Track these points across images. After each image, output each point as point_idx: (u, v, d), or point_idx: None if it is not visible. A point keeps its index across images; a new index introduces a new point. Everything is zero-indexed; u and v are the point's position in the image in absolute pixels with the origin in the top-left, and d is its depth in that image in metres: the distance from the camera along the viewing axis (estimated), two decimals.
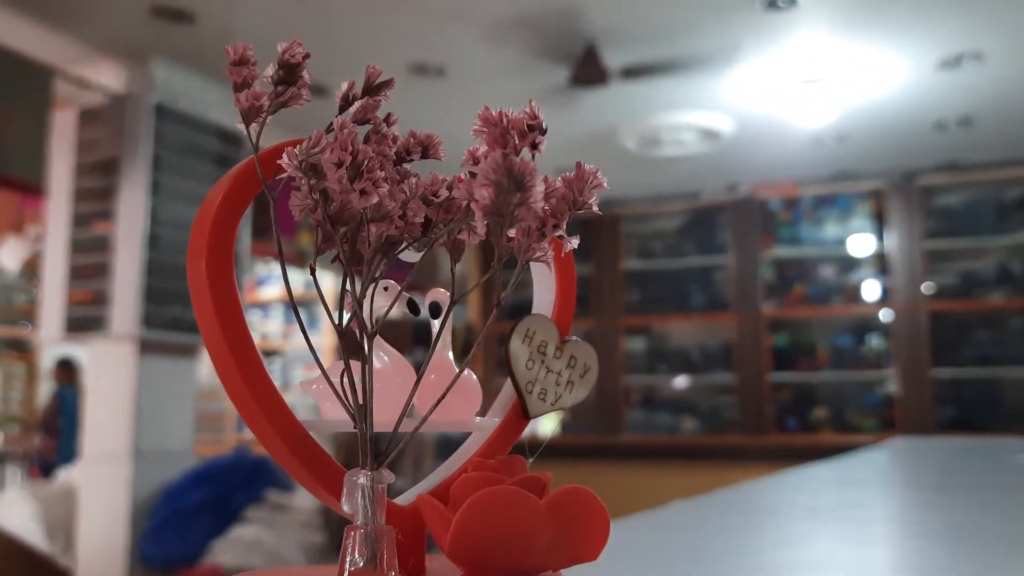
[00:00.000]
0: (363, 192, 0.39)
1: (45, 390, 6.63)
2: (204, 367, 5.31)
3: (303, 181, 0.39)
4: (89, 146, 4.52)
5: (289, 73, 0.43)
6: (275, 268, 7.21)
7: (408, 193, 0.42)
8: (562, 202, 0.41)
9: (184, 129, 4.58)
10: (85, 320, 4.47)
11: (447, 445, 5.24)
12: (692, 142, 5.46)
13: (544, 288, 0.56)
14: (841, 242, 6.63)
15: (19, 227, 4.96)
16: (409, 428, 0.44)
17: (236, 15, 4.10)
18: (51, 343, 5.22)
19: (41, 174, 4.24)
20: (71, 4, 3.97)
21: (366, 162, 0.39)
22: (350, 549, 0.41)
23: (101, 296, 4.44)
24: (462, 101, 5.03)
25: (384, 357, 0.49)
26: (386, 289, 0.46)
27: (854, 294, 6.57)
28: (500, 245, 0.40)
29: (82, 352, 5.40)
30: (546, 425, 7.44)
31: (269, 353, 7.29)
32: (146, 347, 4.45)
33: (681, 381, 7.00)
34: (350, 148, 0.39)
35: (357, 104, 0.44)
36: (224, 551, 4.28)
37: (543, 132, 0.41)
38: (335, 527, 4.81)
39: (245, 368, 0.43)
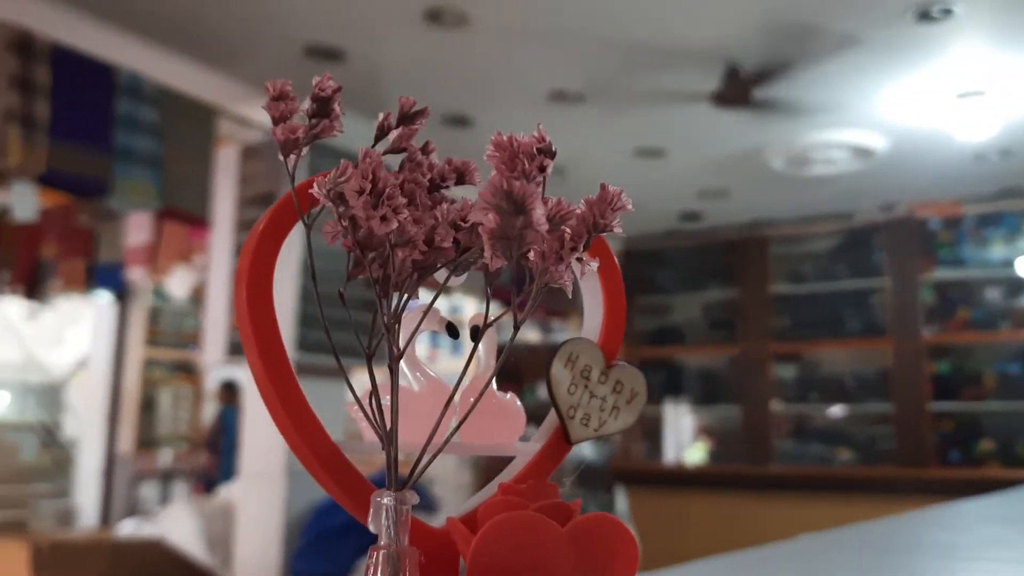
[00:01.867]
0: (383, 218, 0.40)
1: (210, 410, 7.02)
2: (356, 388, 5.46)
3: (333, 209, 0.41)
4: (250, 180, 4.79)
5: (322, 107, 0.45)
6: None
7: (439, 219, 0.43)
8: (581, 224, 0.41)
9: (335, 162, 4.77)
10: None
11: (585, 470, 5.21)
12: (843, 160, 5.27)
13: (594, 311, 0.55)
14: (1008, 263, 6.21)
15: (187, 257, 5.30)
16: (452, 450, 0.44)
17: (383, 52, 4.26)
18: (215, 366, 5.53)
19: (206, 207, 4.52)
20: (232, 47, 4.24)
21: (387, 189, 0.40)
22: (373, 568, 0.42)
23: None
24: (602, 126, 5.04)
25: (422, 380, 0.50)
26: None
27: (1023, 318, 6.15)
28: (514, 269, 0.40)
29: (244, 374, 5.68)
30: (693, 454, 7.29)
31: None
32: (300, 369, 4.62)
33: (836, 410, 6.72)
34: (371, 176, 0.40)
35: (393, 133, 0.45)
36: None
37: (552, 155, 0.41)
38: None
39: (279, 386, 0.46)
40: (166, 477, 6.68)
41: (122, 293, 5.87)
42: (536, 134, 0.41)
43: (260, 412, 4.68)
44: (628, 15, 3.79)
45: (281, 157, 0.46)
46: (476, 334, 0.50)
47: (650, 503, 6.18)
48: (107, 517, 6.13)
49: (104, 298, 5.95)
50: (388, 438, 0.44)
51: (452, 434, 0.45)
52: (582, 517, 0.42)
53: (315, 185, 0.42)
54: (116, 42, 4.18)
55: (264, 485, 4.65)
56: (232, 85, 4.62)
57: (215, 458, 6.12)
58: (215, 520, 4.92)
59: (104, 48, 4.13)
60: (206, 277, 5.06)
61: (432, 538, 0.48)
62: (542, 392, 6.09)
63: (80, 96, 4.08)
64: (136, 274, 5.33)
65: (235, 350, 4.74)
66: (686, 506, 6.47)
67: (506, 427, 0.51)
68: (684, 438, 7.09)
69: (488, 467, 5.24)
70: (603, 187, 0.42)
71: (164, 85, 4.26)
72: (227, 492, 5.25)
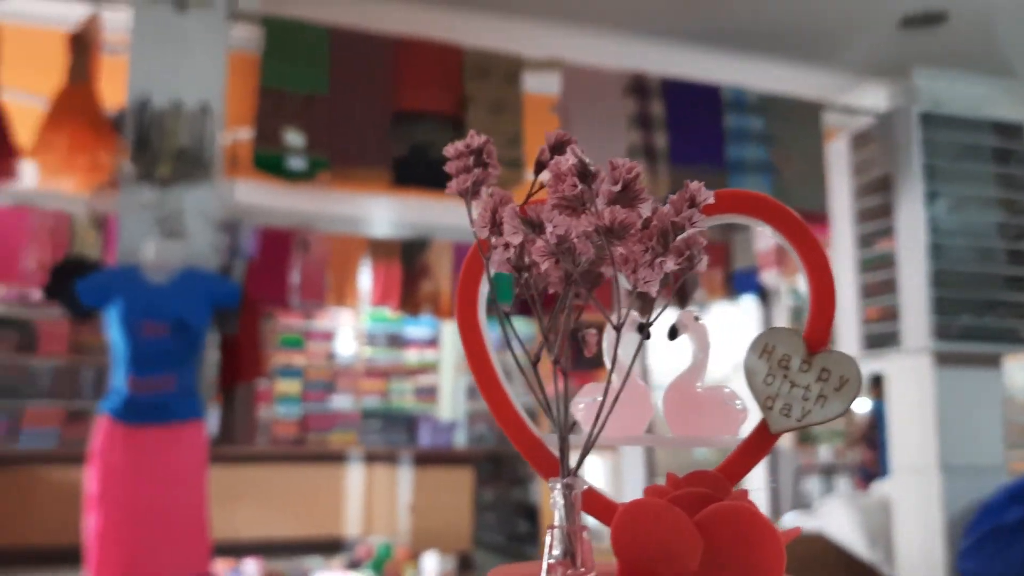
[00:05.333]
0: (506, 246, 0.45)
1: (863, 405, 6.93)
2: (1016, 377, 4.97)
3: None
4: (863, 168, 4.70)
5: (478, 158, 0.51)
6: None
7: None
8: (657, 226, 0.40)
9: (954, 132, 4.44)
10: (879, 336, 4.62)
11: None
12: None
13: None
14: None
15: None
16: (649, 443, 0.46)
17: (991, 2, 3.86)
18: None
19: (823, 203, 4.56)
20: (826, 38, 4.23)
21: (501, 220, 0.45)
22: (548, 545, 0.46)
23: (891, 312, 4.54)
24: None
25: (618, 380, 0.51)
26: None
27: None
28: (583, 278, 0.41)
29: (889, 367, 5.53)
30: None
31: None
32: (941, 359, 4.39)
33: None
34: (490, 210, 0.45)
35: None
36: None
37: (586, 175, 0.41)
38: None
39: (483, 382, 0.54)
40: (828, 472, 6.79)
41: (764, 295, 6.17)
42: (574, 156, 0.42)
43: (904, 405, 4.54)
44: None
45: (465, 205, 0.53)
46: (674, 333, 0.51)
47: None
48: (775, 510, 6.46)
49: (748, 302, 6.32)
50: (562, 431, 0.48)
51: (600, 428, 0.47)
52: (713, 507, 0.41)
53: (472, 223, 0.49)
54: (717, 63, 4.48)
55: (918, 480, 4.48)
56: (832, 76, 4.60)
57: (873, 453, 6.04)
58: (873, 515, 4.86)
59: (707, 71, 4.46)
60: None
61: None
62: None
63: (692, 120, 4.45)
64: (770, 277, 5.57)
65: (870, 343, 4.66)
66: None
67: (709, 422, 0.50)
68: None
69: None
70: (685, 185, 0.41)
71: (766, 92, 4.42)
72: (883, 487, 5.15)
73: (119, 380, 3.33)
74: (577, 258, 0.44)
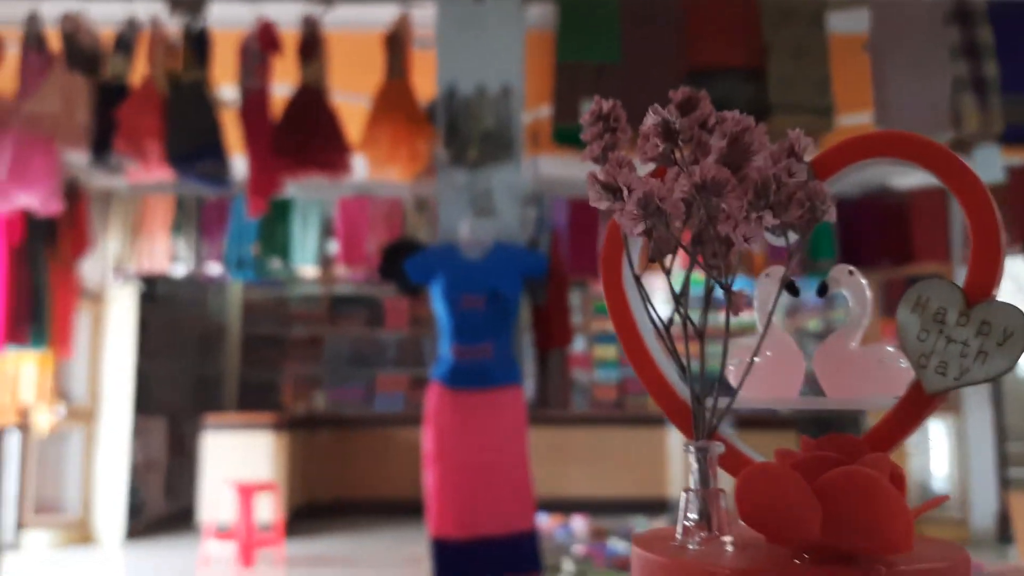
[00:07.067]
0: (621, 211, 0.44)
1: None
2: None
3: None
4: None
5: (606, 125, 0.49)
6: None
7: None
8: (753, 179, 0.36)
9: None
10: None
11: None
12: None
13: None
14: None
15: None
16: (786, 404, 0.44)
17: None
18: None
19: None
20: None
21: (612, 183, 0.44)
22: (682, 508, 0.45)
23: None
24: None
25: (772, 339, 0.47)
26: (767, 275, 0.47)
27: None
28: (675, 235, 0.39)
29: None
30: None
31: None
32: None
33: None
34: (604, 177, 0.44)
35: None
36: None
37: (673, 136, 0.38)
38: None
39: (627, 342, 0.54)
40: None
41: None
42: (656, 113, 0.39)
43: None
44: None
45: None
46: (823, 290, 0.47)
47: None
48: None
49: None
50: (697, 394, 0.46)
51: (739, 387, 0.45)
52: (831, 473, 0.37)
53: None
54: None
55: None
56: None
57: None
58: None
59: None
60: None
61: None
62: None
63: None
64: None
65: None
66: None
67: (865, 382, 0.44)
68: None
69: None
70: (788, 134, 0.37)
71: None
72: None
73: (445, 349, 3.62)
74: (670, 219, 0.42)
